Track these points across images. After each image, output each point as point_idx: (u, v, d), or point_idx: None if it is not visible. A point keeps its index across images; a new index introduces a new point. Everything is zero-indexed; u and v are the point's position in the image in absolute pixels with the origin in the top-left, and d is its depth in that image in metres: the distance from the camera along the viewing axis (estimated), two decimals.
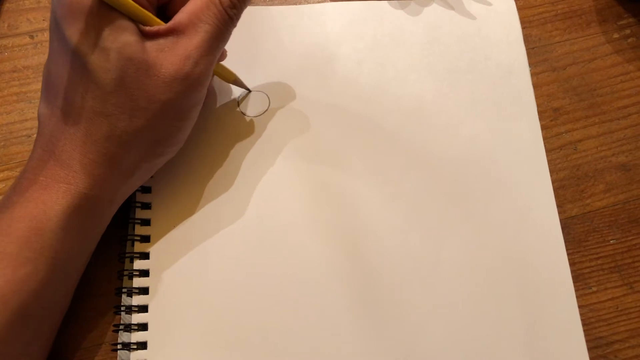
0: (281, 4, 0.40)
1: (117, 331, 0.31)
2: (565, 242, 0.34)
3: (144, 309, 0.32)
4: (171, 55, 0.28)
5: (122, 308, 0.32)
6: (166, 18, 0.29)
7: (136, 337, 0.31)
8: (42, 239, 0.27)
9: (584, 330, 0.33)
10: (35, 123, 0.36)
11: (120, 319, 0.32)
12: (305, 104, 0.37)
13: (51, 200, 0.27)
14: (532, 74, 0.39)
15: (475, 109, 0.37)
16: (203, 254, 0.33)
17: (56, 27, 0.27)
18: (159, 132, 0.29)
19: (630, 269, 0.35)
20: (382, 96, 0.37)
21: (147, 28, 0.28)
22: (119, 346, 0.31)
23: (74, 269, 0.30)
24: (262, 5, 0.40)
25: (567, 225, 0.35)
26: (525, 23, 0.40)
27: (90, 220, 0.29)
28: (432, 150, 0.36)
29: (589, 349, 0.32)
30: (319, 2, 0.40)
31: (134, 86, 0.27)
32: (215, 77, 0.35)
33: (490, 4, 0.40)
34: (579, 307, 0.33)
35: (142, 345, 0.31)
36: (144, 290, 0.32)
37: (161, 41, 0.28)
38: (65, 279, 0.29)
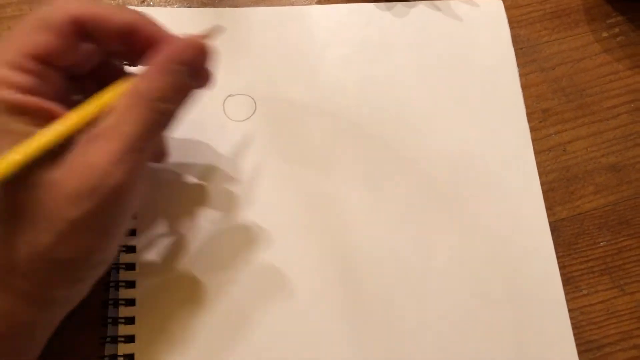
0: (268, 5, 0.40)
1: (103, 344, 0.31)
2: (555, 244, 0.34)
3: (130, 320, 0.31)
4: (78, 165, 0.23)
5: (109, 320, 0.31)
6: None
7: (123, 349, 0.31)
8: None
9: (575, 334, 0.32)
10: None
11: (106, 330, 0.31)
12: (292, 107, 0.37)
13: None
14: (521, 75, 0.38)
15: (464, 110, 0.37)
16: (189, 259, 0.32)
17: None
18: (66, 255, 0.24)
19: (620, 271, 0.35)
20: (369, 99, 0.37)
21: None
22: (105, 359, 0.31)
23: None
24: (248, 7, 0.39)
25: (556, 227, 0.35)
26: (513, 23, 0.40)
27: (9, 358, 0.25)
28: (420, 153, 0.36)
29: (580, 353, 0.32)
30: (305, 5, 0.40)
31: (30, 208, 0.23)
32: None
33: (477, 5, 0.39)
34: (570, 310, 0.33)
35: (130, 358, 0.31)
36: (131, 302, 0.32)
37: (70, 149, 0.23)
38: None
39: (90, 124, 0.24)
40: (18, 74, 0.23)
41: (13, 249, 0.23)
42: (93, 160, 0.23)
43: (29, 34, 0.24)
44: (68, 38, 0.24)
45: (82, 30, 0.25)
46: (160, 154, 0.31)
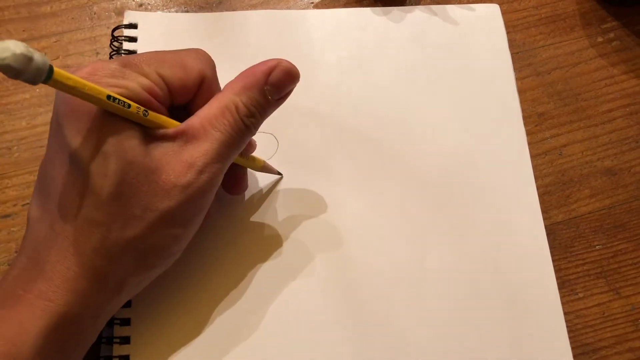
0: (265, 9, 0.40)
1: (99, 345, 0.31)
2: (551, 248, 0.34)
3: (126, 322, 0.31)
4: (174, 161, 0.26)
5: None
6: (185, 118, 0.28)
7: (118, 350, 0.31)
8: None
9: (571, 337, 0.32)
10: (15, 136, 0.35)
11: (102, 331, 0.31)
12: (288, 112, 0.37)
13: (28, 320, 0.24)
14: (517, 79, 0.39)
15: (460, 114, 0.37)
16: (185, 265, 0.33)
17: (57, 127, 0.25)
18: (152, 243, 0.26)
19: (616, 275, 0.35)
20: (366, 103, 0.37)
21: (155, 131, 0.26)
22: None
23: None
24: (245, 10, 0.39)
25: (552, 231, 0.35)
26: (509, 27, 0.40)
27: (70, 342, 0.26)
28: (417, 157, 0.36)
29: (576, 356, 0.32)
30: (302, 9, 0.40)
31: (130, 193, 0.25)
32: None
33: (474, 10, 0.40)
34: (565, 313, 0.33)
35: (125, 359, 0.31)
36: (127, 303, 0.32)
37: (167, 145, 0.26)
38: None
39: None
40: (156, 80, 0.27)
41: (105, 232, 0.25)
42: (189, 159, 0.26)
43: (174, 65, 0.27)
44: (191, 88, 0.28)
45: (200, 85, 0.28)
46: (244, 184, 0.33)
